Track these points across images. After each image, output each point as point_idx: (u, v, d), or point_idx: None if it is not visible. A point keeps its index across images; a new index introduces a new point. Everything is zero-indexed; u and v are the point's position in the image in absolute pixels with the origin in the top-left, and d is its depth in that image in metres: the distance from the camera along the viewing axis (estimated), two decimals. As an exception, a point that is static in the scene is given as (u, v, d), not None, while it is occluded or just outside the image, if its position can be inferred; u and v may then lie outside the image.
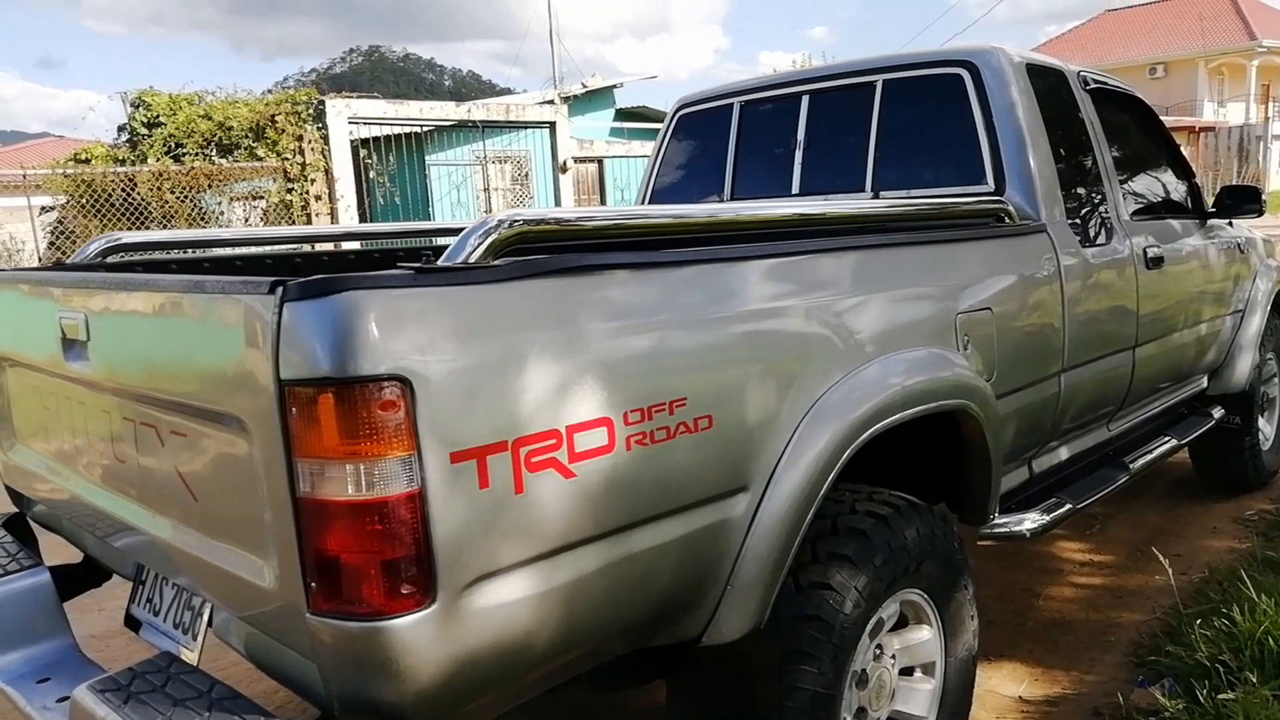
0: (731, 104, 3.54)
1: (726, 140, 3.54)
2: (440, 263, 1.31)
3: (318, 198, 12.57)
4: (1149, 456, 3.25)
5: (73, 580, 2.03)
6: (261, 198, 12.73)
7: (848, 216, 2.12)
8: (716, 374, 1.57)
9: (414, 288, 1.21)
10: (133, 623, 1.83)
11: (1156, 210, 3.54)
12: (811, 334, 1.75)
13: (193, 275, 1.57)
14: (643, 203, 3.84)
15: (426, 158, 14.33)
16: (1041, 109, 2.88)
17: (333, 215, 12.58)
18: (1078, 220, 2.86)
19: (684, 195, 3.69)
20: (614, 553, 1.42)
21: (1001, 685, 2.86)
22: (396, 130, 13.36)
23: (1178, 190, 3.76)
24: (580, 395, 1.35)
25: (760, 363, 1.65)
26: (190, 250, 2.68)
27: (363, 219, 12.89)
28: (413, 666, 1.19)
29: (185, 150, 13.30)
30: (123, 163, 13.17)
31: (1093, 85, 3.23)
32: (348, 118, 12.51)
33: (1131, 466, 3.12)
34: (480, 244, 1.32)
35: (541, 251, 1.46)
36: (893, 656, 2.12)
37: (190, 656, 1.57)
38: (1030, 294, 2.51)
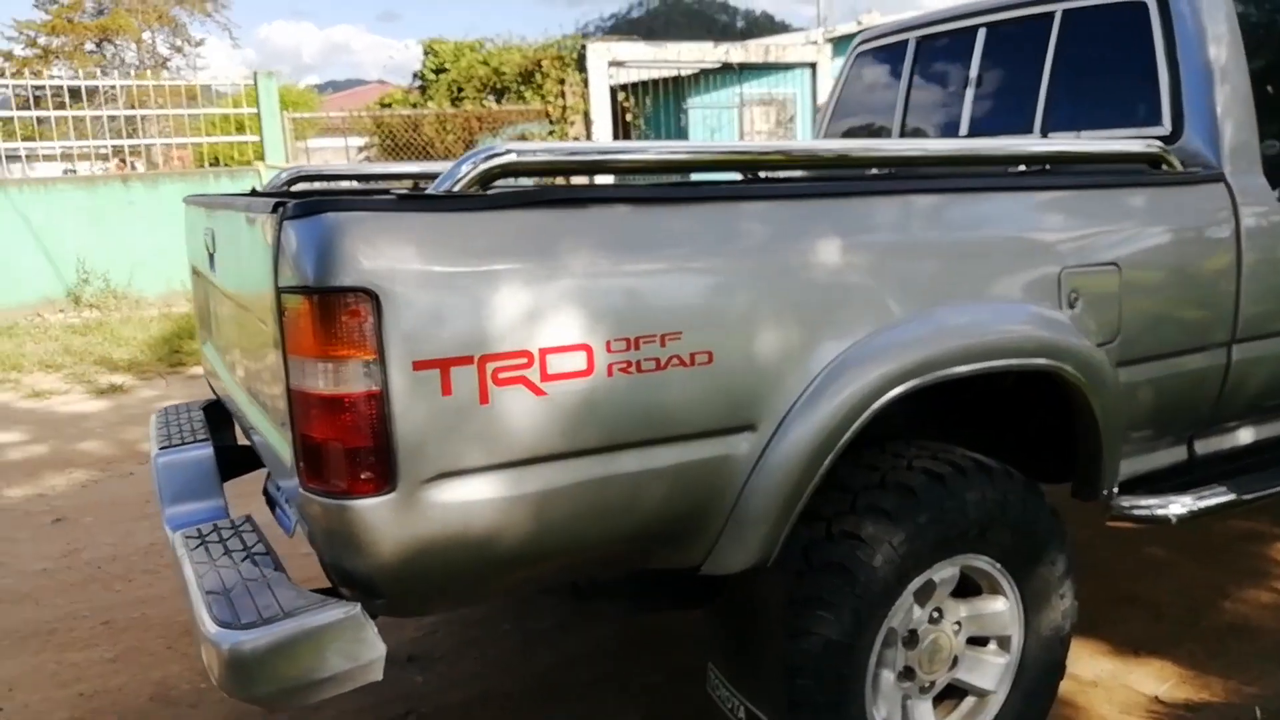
0: (908, 40, 3.36)
1: (901, 79, 3.37)
2: (429, 190, 1.44)
3: (575, 139, 13.19)
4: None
5: (234, 461, 2.43)
6: (527, 139, 13.55)
7: (894, 159, 1.99)
8: (720, 312, 1.58)
9: (392, 212, 1.36)
10: (269, 500, 2.17)
11: None
12: (838, 280, 1.70)
13: (262, 198, 1.82)
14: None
15: (685, 101, 14.51)
16: (1255, 38, 2.49)
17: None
18: (1281, 170, 2.47)
19: (854, 135, 3.57)
20: (592, 472, 1.51)
21: (1141, 682, 2.62)
22: (658, 74, 13.60)
23: None
24: (558, 320, 1.44)
25: (775, 305, 1.63)
26: (375, 181, 3.02)
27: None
28: (375, 543, 1.37)
29: (464, 94, 14.46)
30: (414, 106, 14.57)
31: None
32: (608, 61, 12.93)
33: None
34: (469, 173, 1.44)
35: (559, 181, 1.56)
36: (957, 623, 2.03)
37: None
38: (1185, 252, 2.22)
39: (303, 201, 1.34)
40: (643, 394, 1.52)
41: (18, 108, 10.85)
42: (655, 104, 13.85)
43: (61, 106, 10.18)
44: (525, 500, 1.46)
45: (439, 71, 15.39)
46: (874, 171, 2.76)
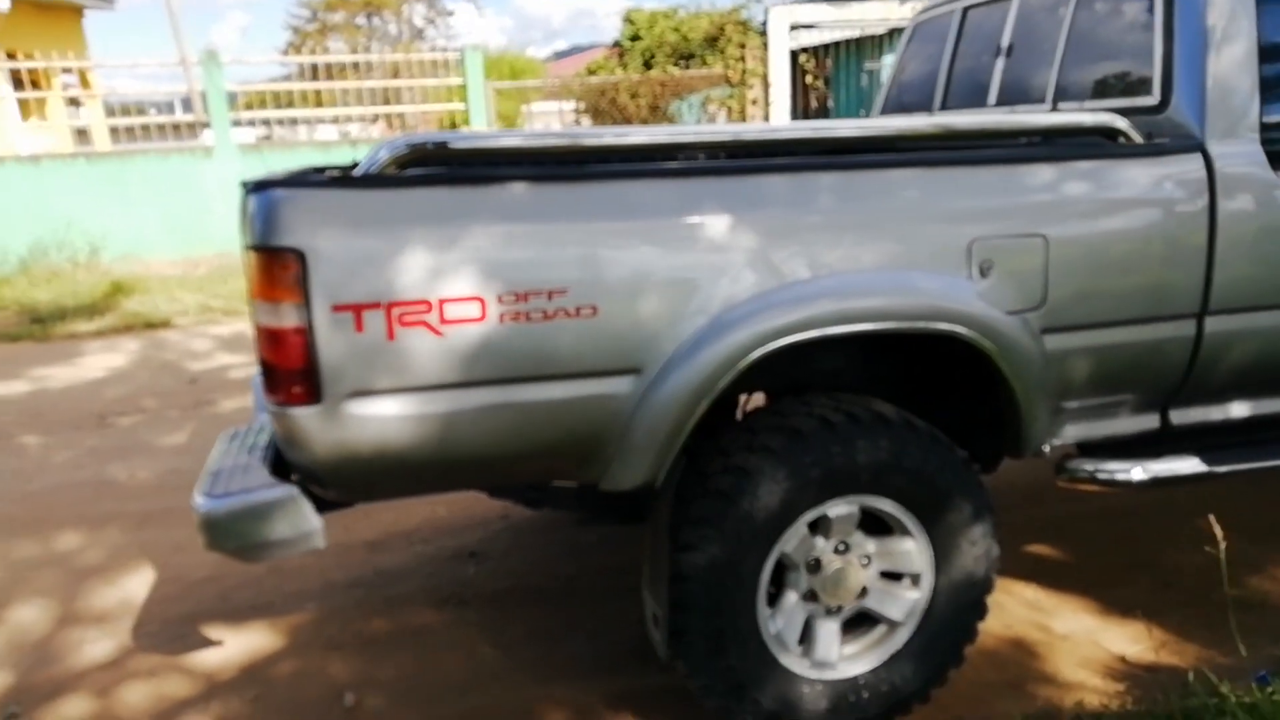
0: (955, 11, 3.42)
1: (947, 49, 3.44)
2: (355, 172, 1.88)
3: (753, 102, 13.30)
4: None
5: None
6: (720, 104, 13.79)
7: (769, 142, 2.19)
8: (604, 274, 1.91)
9: (320, 189, 1.81)
10: None
11: None
12: (719, 249, 1.96)
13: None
14: (881, 112, 3.88)
15: (866, 62, 14.19)
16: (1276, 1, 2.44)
17: (767, 120, 13.24)
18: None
19: (908, 107, 3.66)
20: (487, 399, 1.91)
21: (1115, 641, 2.71)
22: (841, 36, 13.37)
23: None
24: (455, 276, 1.84)
25: (657, 270, 1.94)
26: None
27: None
28: (309, 443, 1.85)
29: (655, 60, 14.90)
30: (612, 73, 15.19)
31: None
32: (789, 24, 12.88)
33: (1360, 442, 2.58)
34: (386, 158, 1.86)
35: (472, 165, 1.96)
36: (866, 557, 2.27)
37: None
38: (1134, 223, 2.26)
39: (260, 179, 1.83)
40: (531, 339, 1.90)
41: (300, 79, 12.47)
42: (836, 65, 13.64)
43: (330, 78, 11.69)
44: (429, 418, 1.89)
45: (634, 39, 15.88)
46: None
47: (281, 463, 2.06)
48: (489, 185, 1.89)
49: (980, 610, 2.34)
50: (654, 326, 1.96)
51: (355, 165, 2.02)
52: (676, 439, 2.02)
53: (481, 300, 1.86)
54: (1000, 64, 3.12)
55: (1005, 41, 3.11)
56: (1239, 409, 2.56)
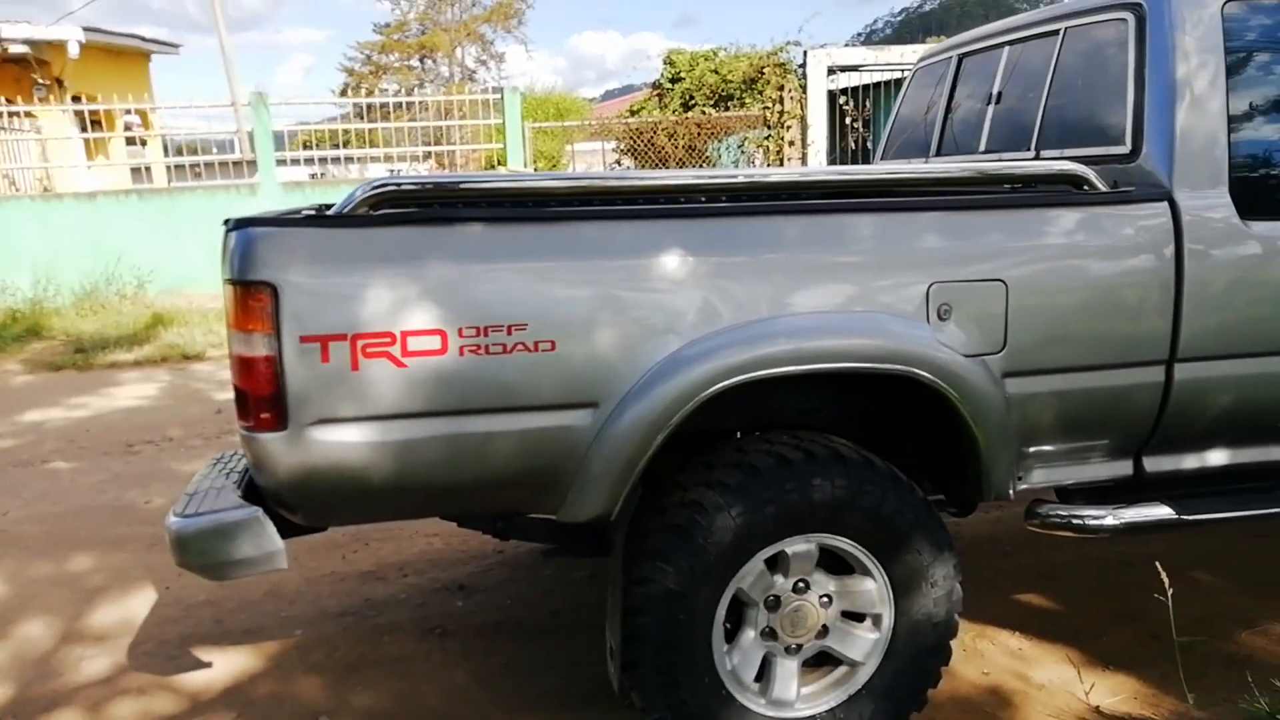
0: (952, 57, 3.48)
1: (943, 95, 3.50)
2: (330, 212, 1.98)
3: (791, 143, 13.42)
4: (1395, 489, 2.58)
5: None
6: (757, 145, 13.94)
7: (733, 187, 2.25)
8: (563, 311, 1.98)
9: (293, 227, 1.91)
10: None
11: None
12: (674, 289, 2.02)
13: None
14: (880, 157, 3.94)
15: (901, 103, 14.22)
16: (1245, 53, 2.47)
17: (804, 161, 13.33)
18: (1261, 190, 2.42)
19: (907, 150, 3.72)
20: (446, 429, 1.98)
21: (1093, 692, 2.66)
22: (880, 78, 13.48)
23: None
24: (418, 310, 1.93)
25: (614, 307, 2.00)
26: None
27: (831, 164, 13.40)
28: (274, 467, 1.94)
29: (695, 102, 15.12)
30: (652, 114, 15.44)
31: None
32: (827, 66, 13.02)
33: (1341, 493, 2.54)
34: (359, 199, 1.97)
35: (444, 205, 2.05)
36: (826, 596, 2.29)
37: None
38: (1097, 270, 2.28)
39: (240, 218, 1.94)
40: (490, 372, 1.97)
41: (352, 119, 12.91)
42: (876, 107, 13.72)
43: (386, 118, 12.10)
44: (390, 446, 1.97)
45: (675, 80, 16.15)
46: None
47: (254, 487, 2.15)
48: (452, 225, 1.98)
49: (943, 653, 2.34)
50: (611, 362, 2.03)
51: (332, 205, 2.13)
52: (631, 472, 2.07)
53: (443, 333, 1.95)
54: (990, 111, 3.17)
55: (995, 89, 3.16)
56: (1215, 457, 2.54)
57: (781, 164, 13.11)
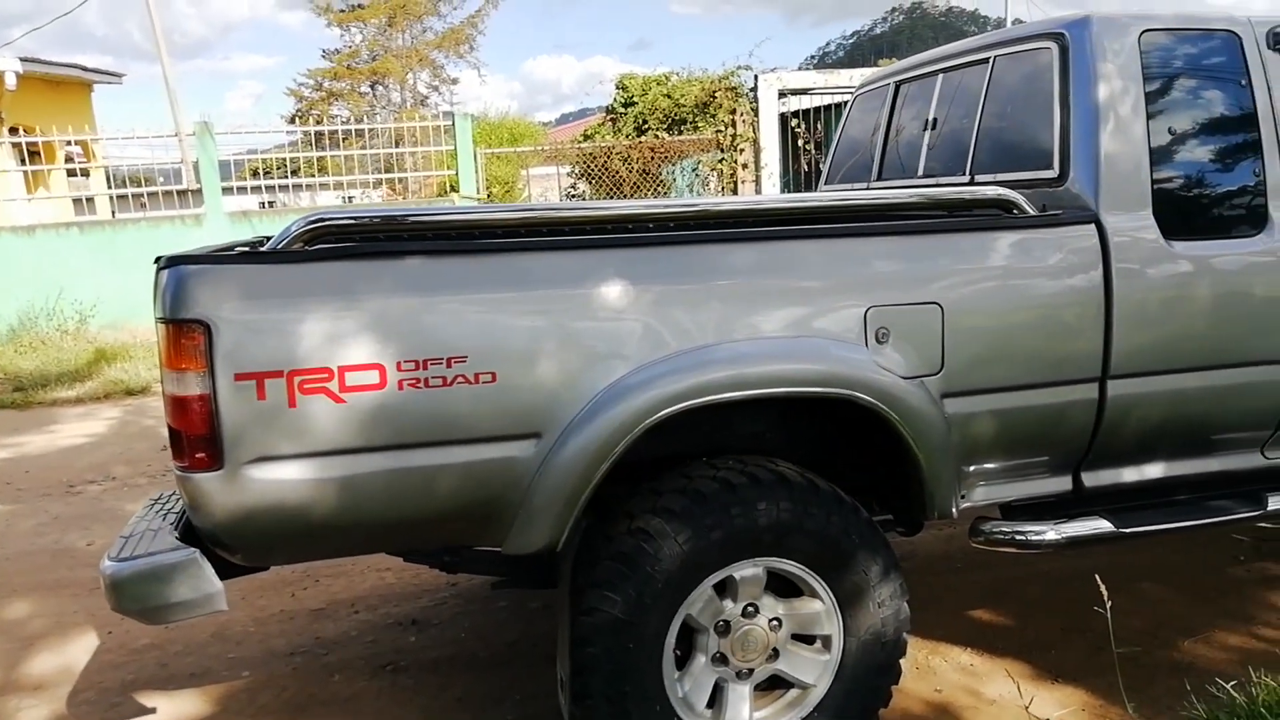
0: (889, 84, 3.55)
1: (882, 121, 3.57)
2: (264, 248, 1.97)
3: (744, 166, 13.57)
4: (1322, 497, 2.66)
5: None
6: (711, 168, 14.07)
7: (672, 215, 2.28)
8: (502, 342, 1.99)
9: (227, 265, 1.89)
10: None
11: None
12: (614, 318, 2.04)
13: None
14: (825, 181, 4.00)
15: (852, 125, 14.44)
16: (1161, 81, 2.56)
17: (757, 183, 13.48)
18: (1181, 211, 2.50)
19: (850, 175, 3.78)
20: (387, 463, 1.96)
21: (1041, 706, 2.70)
22: (832, 100, 13.68)
23: None
24: (355, 345, 1.91)
25: (554, 338, 2.01)
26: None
27: (785, 187, 13.58)
28: (210, 507, 1.90)
29: (648, 126, 15.24)
30: (606, 138, 15.52)
31: None
32: (778, 90, 13.21)
33: (1271, 504, 2.62)
34: (294, 234, 1.96)
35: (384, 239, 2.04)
36: (775, 619, 2.29)
37: None
38: (1029, 291, 2.34)
39: (172, 256, 1.92)
40: (431, 404, 1.96)
41: (301, 147, 12.79)
42: (828, 129, 13.92)
43: (337, 145, 12.01)
44: (330, 482, 1.94)
45: (628, 104, 16.28)
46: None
47: (192, 527, 2.11)
48: (388, 259, 1.97)
49: (893, 672, 2.35)
50: (553, 392, 2.03)
51: (267, 240, 2.11)
52: (576, 502, 2.07)
53: (381, 368, 1.93)
54: (927, 137, 3.24)
55: (931, 115, 3.23)
56: (1151, 471, 2.60)
57: (736, 186, 13.27)
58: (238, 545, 1.99)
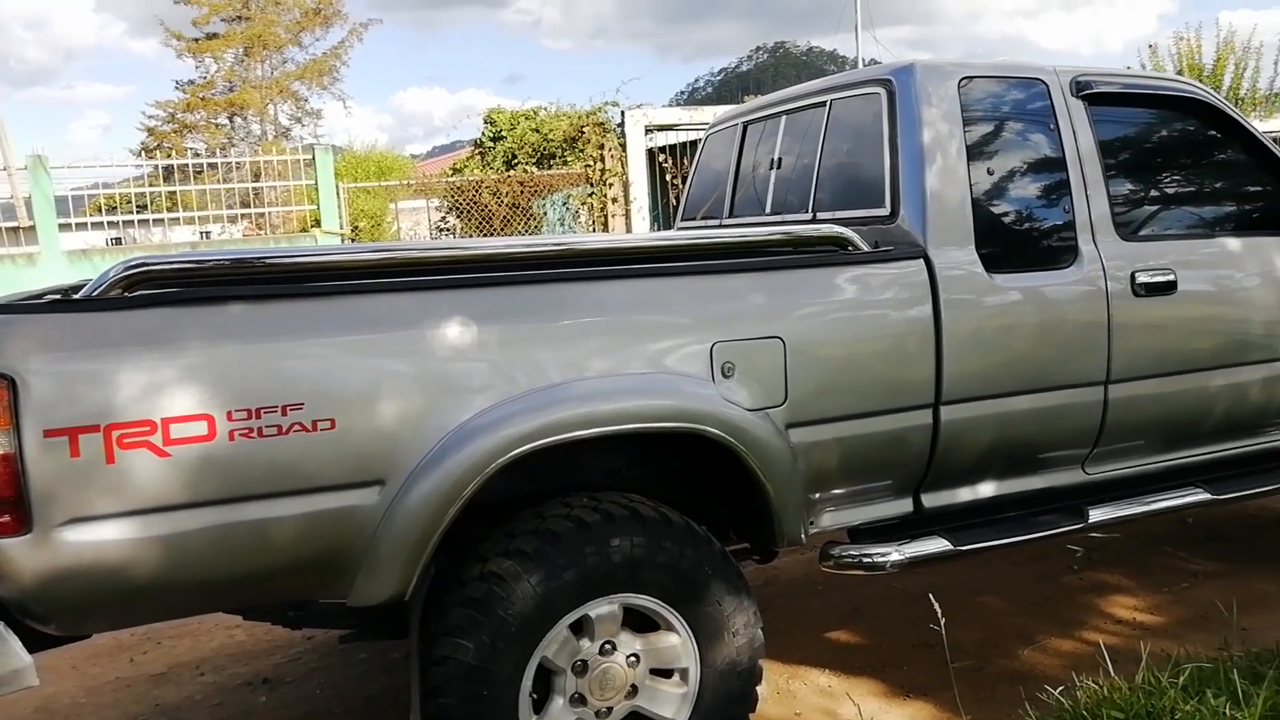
0: (738, 124, 3.67)
1: (732, 161, 3.68)
2: (78, 295, 1.86)
3: (614, 200, 13.72)
4: (1135, 510, 2.88)
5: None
6: (581, 202, 14.13)
7: (499, 256, 2.31)
8: (340, 387, 1.93)
9: (32, 314, 1.78)
10: None
11: (1207, 226, 3.08)
12: (457, 360, 2.02)
13: None
14: (681, 218, 4.09)
15: (716, 161, 14.84)
16: (979, 124, 2.74)
17: (627, 217, 13.64)
18: (1001, 245, 2.67)
19: (709, 213, 3.88)
20: (219, 518, 1.87)
21: (879, 714, 2.78)
22: (698, 136, 13.98)
23: (1268, 202, 3.18)
24: (180, 395, 1.82)
25: (395, 382, 1.97)
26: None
27: (655, 222, 13.79)
28: (17, 575, 1.76)
29: (518, 160, 15.23)
30: (475, 171, 15.40)
31: (1097, 90, 2.91)
32: (644, 126, 13.45)
33: (1091, 516, 2.81)
34: (111, 280, 1.86)
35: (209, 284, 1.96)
36: (634, 655, 2.29)
37: None
38: (864, 324, 2.46)
39: (-28, 307, 1.78)
40: (265, 455, 1.88)
41: (149, 183, 12.10)
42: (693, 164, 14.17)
43: (192, 179, 11.43)
44: (156, 540, 1.83)
45: (497, 139, 16.24)
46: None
47: None
48: (215, 304, 1.90)
49: (749, 700, 2.39)
50: (397, 437, 1.98)
51: (81, 287, 2.00)
52: (424, 549, 2.02)
53: (210, 418, 1.85)
54: (773, 176, 3.36)
55: (776, 155, 3.36)
56: (983, 490, 2.75)
57: (606, 221, 13.40)
58: (50, 614, 1.85)
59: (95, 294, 1.85)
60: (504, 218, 13.83)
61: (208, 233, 13.32)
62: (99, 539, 1.79)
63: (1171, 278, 2.84)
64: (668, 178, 13.97)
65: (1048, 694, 2.56)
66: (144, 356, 1.81)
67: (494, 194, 13.87)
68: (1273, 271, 3.04)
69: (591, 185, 13.56)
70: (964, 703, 2.71)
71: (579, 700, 2.26)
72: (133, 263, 1.88)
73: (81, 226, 10.77)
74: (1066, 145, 2.82)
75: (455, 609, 2.09)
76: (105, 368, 1.79)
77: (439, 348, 2.02)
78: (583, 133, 13.84)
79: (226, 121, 30.93)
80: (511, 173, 14.01)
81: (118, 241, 11.85)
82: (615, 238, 2.39)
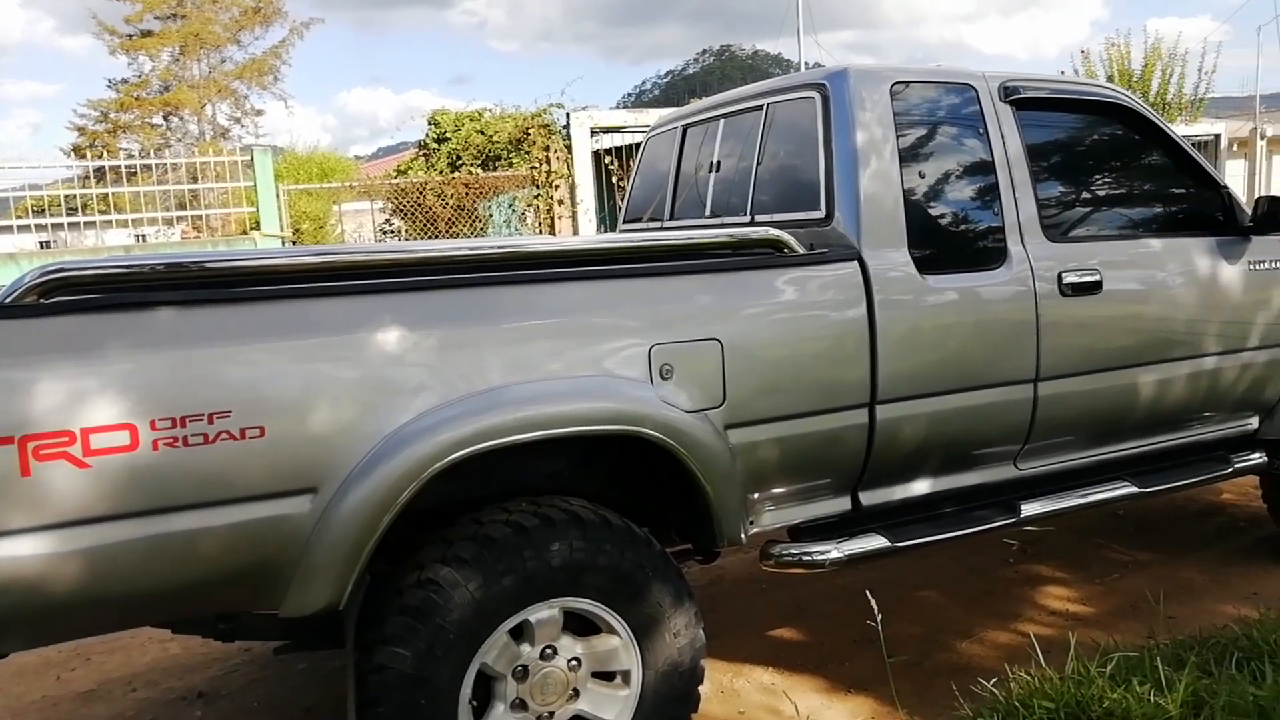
0: (678, 127, 3.68)
1: (673, 163, 3.69)
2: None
3: (560, 202, 13.67)
4: (1066, 504, 2.96)
5: None
6: (527, 204, 14.04)
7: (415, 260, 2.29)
8: (270, 393, 1.90)
9: (-62, 324, 1.72)
10: None
11: (1132, 228, 3.17)
12: (392, 364, 2.00)
13: None
14: (623, 220, 4.09)
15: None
16: (911, 129, 2.78)
17: (574, 219, 13.60)
18: (933, 247, 2.72)
19: (651, 215, 3.88)
20: (143, 530, 1.82)
21: (834, 716, 2.81)
22: (644, 138, 13.98)
23: (1189, 204, 3.29)
24: (101, 404, 1.77)
25: (327, 387, 1.94)
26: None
27: (602, 224, 13.76)
28: None
29: (462, 162, 15.09)
30: (419, 173, 15.22)
31: (1025, 95, 2.97)
32: (590, 128, 13.42)
33: (1024, 511, 2.88)
34: (25, 286, 1.80)
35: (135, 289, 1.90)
36: (575, 659, 2.28)
37: None
38: (800, 324, 2.48)
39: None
40: (191, 464, 1.84)
41: (82, 184, 11.75)
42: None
43: (127, 181, 11.11)
44: (76, 555, 1.78)
45: (441, 140, 16.07)
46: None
47: None
48: (137, 310, 1.85)
49: (691, 700, 2.40)
50: (329, 444, 1.95)
51: None
52: (358, 558, 1.99)
53: (132, 428, 1.80)
54: (712, 179, 3.38)
55: (715, 158, 3.38)
56: (919, 487, 2.80)
57: (553, 222, 13.34)
58: None
59: (8, 300, 1.79)
60: (449, 220, 13.70)
61: (143, 236, 13.01)
62: (15, 554, 1.73)
63: (1097, 278, 2.92)
64: (614, 180, 13.97)
65: (982, 686, 2.61)
66: (61, 365, 1.76)
67: (439, 196, 13.74)
68: (1194, 271, 3.14)
69: (538, 187, 13.51)
70: (902, 696, 2.75)
71: (520, 705, 2.24)
72: (50, 268, 1.82)
73: (9, 229, 10.44)
74: (995, 149, 2.88)
75: (393, 617, 2.07)
76: (19, 376, 1.73)
77: (373, 352, 1.99)
78: (528, 134, 13.76)
79: (162, 121, 30.16)
80: (456, 175, 13.89)
81: (47, 245, 11.50)
82: (550, 240, 2.39)
